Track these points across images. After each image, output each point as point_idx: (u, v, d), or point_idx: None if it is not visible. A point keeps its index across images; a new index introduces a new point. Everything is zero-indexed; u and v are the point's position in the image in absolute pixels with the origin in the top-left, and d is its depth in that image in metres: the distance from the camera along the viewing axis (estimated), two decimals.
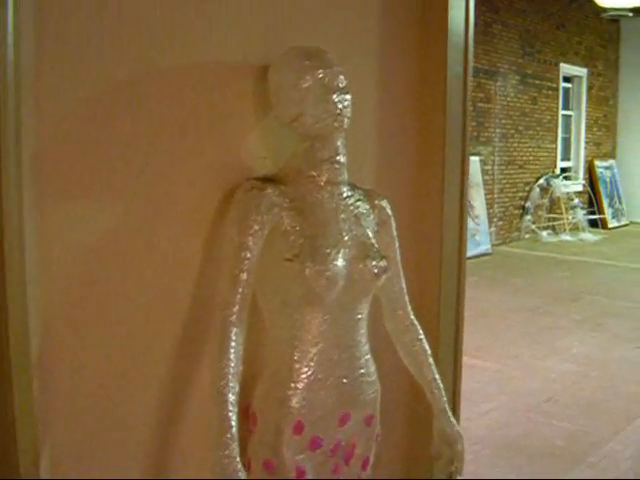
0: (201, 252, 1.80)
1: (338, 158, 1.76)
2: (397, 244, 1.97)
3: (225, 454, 1.50)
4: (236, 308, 1.63)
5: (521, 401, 5.04)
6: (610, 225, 13.89)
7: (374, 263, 1.76)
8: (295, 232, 1.70)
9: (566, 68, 13.45)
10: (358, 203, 1.85)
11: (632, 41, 14.46)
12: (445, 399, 1.97)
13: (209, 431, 1.54)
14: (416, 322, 2.00)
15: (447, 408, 1.97)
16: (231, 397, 1.54)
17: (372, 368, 1.86)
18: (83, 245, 1.61)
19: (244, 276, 1.64)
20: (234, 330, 1.61)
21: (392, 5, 2.22)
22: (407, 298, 2.01)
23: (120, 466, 1.71)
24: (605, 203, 14.04)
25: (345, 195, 1.81)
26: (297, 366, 1.72)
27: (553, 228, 12.83)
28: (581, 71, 13.95)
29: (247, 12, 1.85)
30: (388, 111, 2.28)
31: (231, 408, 1.54)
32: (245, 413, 1.80)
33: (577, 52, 13.70)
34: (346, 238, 1.76)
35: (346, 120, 1.72)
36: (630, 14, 10.18)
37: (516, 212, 12.37)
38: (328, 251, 1.70)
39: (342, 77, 1.73)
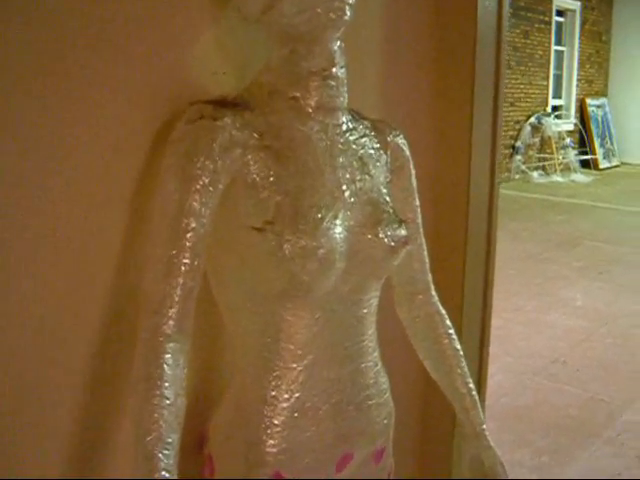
0: (126, 220, 1.18)
1: (334, 71, 1.14)
2: (417, 200, 1.38)
3: None
4: (174, 311, 1.04)
5: (527, 363, 4.63)
6: (601, 166, 13.65)
7: (389, 232, 1.18)
8: (269, 185, 1.10)
9: (559, 1, 12.92)
10: (364, 140, 1.24)
11: None
12: (482, 418, 1.42)
13: None
14: (442, 310, 1.43)
15: (485, 431, 1.41)
16: (166, 461, 0.93)
17: (384, 383, 1.29)
18: None
19: (186, 258, 1.04)
20: (170, 347, 1.02)
21: None
22: (430, 277, 1.43)
23: None
24: (596, 143, 13.76)
25: (345, 128, 1.20)
26: (273, 392, 1.14)
27: (544, 168, 12.53)
28: (574, 4, 13.47)
29: None
30: (399, 20, 1.67)
31: (167, 477, 0.95)
32: (198, 449, 1.24)
33: None
34: (347, 194, 1.16)
35: (348, 10, 1.11)
36: None
37: (506, 152, 11.99)
38: (320, 215, 1.10)
39: None
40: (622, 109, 14.27)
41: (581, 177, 12.58)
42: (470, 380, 1.41)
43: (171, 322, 1.03)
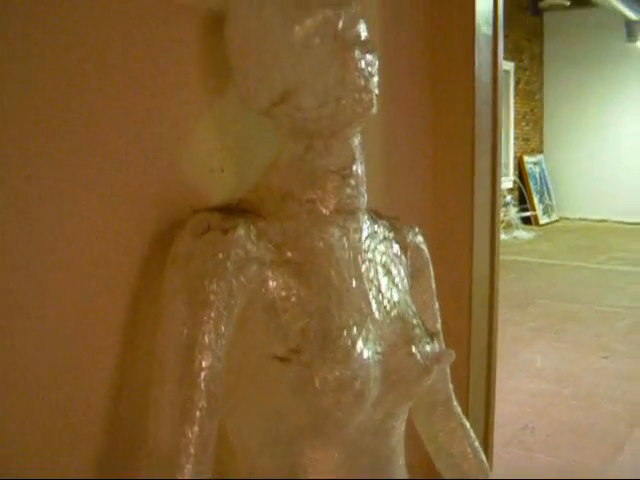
0: (120, 347, 1.01)
1: (354, 169, 1.02)
2: (437, 303, 1.25)
3: None
4: (190, 468, 0.87)
5: (497, 432, 4.42)
6: (542, 221, 13.81)
7: (422, 350, 1.04)
8: (291, 307, 0.95)
9: None
10: (385, 244, 1.12)
11: (554, 35, 14.42)
12: None
13: None
14: (465, 421, 1.30)
15: None
16: None
17: None
18: None
19: (202, 401, 0.89)
20: None
21: None
22: (451, 386, 1.30)
23: None
24: (536, 199, 13.95)
25: (366, 233, 1.07)
26: None
27: None
28: (508, 65, 13.74)
29: None
30: (395, 103, 1.57)
31: None
32: None
33: (504, 46, 13.41)
34: (375, 309, 1.03)
35: (375, 101, 0.99)
36: (567, 2, 9.86)
37: None
38: (350, 341, 0.95)
39: (363, 23, 1.00)
40: (558, 165, 14.53)
41: (523, 234, 12.70)
42: None
43: (187, 474, 0.87)
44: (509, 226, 12.85)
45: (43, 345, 0.94)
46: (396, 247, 1.15)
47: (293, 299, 0.96)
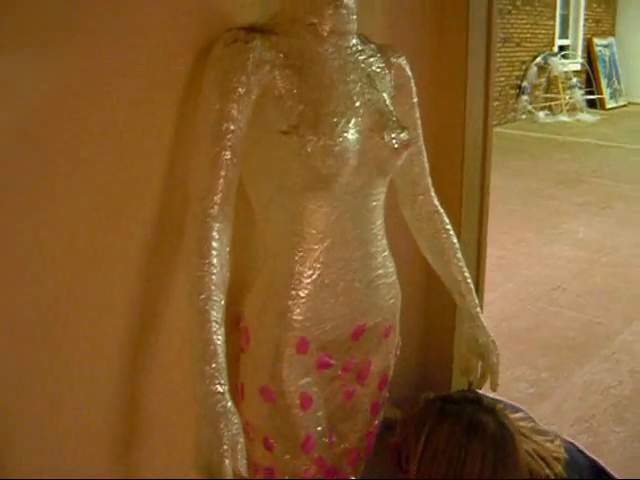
0: (172, 127, 1.42)
1: (346, 0, 1.37)
2: (418, 113, 1.59)
3: (210, 390, 1.15)
4: (218, 197, 1.27)
5: (528, 289, 4.78)
6: (608, 105, 13.61)
7: (394, 135, 1.40)
8: (292, 96, 1.32)
9: None
10: (371, 60, 1.47)
11: None
12: (477, 302, 1.65)
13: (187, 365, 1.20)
14: (441, 209, 1.66)
15: (479, 314, 1.64)
16: (215, 315, 1.19)
17: (390, 267, 1.52)
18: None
19: (227, 154, 1.27)
20: (216, 226, 1.26)
21: None
22: (430, 180, 1.65)
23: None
24: (603, 83, 13.71)
25: (355, 49, 1.43)
26: (299, 268, 1.38)
27: (550, 108, 12.50)
28: None
29: None
30: None
31: (216, 328, 1.18)
32: (235, 325, 1.47)
33: None
34: (357, 104, 1.38)
35: None
36: None
37: (512, 92, 11.99)
38: (335, 120, 1.33)
39: None
40: (630, 49, 14.17)
41: (587, 117, 12.58)
42: (466, 270, 1.64)
43: (216, 206, 1.27)
44: (573, 109, 12.71)
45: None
46: (381, 64, 1.49)
47: (295, 91, 1.33)
